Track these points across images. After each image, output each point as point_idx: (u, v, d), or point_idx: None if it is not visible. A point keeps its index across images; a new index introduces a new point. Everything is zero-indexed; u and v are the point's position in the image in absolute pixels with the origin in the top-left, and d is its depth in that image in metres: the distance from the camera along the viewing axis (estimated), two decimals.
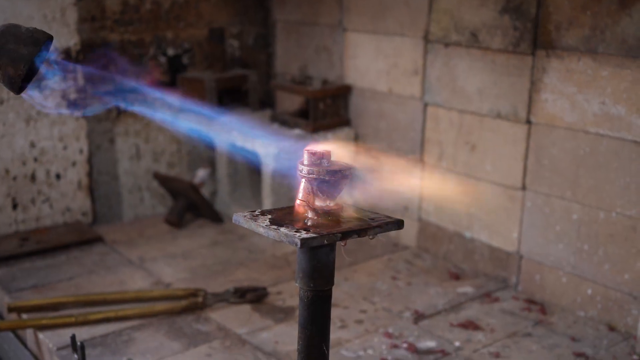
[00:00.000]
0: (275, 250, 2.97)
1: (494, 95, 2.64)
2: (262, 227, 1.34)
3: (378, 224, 1.38)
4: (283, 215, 1.40)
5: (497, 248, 2.73)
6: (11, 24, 1.08)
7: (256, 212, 1.41)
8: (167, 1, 3.36)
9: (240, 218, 1.39)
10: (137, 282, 2.68)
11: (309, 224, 1.36)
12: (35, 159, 3.01)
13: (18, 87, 1.07)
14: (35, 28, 1.09)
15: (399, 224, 1.40)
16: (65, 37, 2.98)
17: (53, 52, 1.12)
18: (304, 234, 1.30)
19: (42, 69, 1.10)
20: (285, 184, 3.00)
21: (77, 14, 3.00)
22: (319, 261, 1.36)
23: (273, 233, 1.32)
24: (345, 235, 1.33)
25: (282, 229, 1.32)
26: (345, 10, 3.18)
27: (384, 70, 3.05)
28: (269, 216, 1.39)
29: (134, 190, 3.40)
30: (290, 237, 1.29)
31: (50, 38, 1.09)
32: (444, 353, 2.22)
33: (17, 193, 3.00)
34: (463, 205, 2.82)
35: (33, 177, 3.02)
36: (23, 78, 1.06)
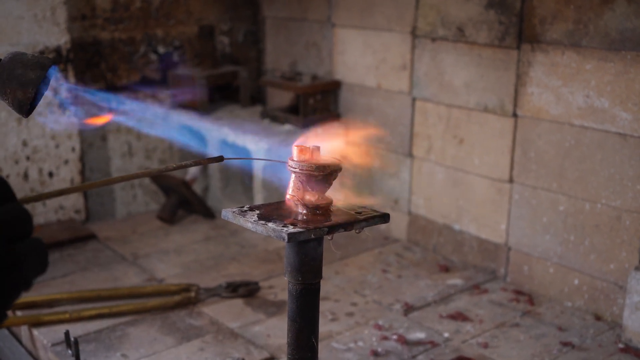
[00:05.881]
0: (267, 245, 3.00)
1: (481, 89, 2.67)
2: (250, 222, 1.37)
3: (364, 218, 1.41)
4: (271, 211, 1.42)
5: (485, 240, 2.76)
6: (17, 52, 1.14)
7: (244, 208, 1.43)
8: None
9: (229, 213, 1.41)
10: (130, 278, 2.70)
11: (297, 218, 1.38)
12: (28, 158, 3.03)
13: (27, 109, 1.13)
14: (40, 54, 1.15)
15: (384, 218, 1.44)
16: (55, 36, 2.99)
17: (57, 76, 1.18)
18: (291, 229, 1.32)
19: (47, 92, 1.16)
20: (276, 179, 3.02)
21: (67, 12, 3.01)
22: (307, 255, 1.39)
23: (261, 228, 1.35)
24: (332, 229, 1.36)
25: (270, 224, 1.34)
26: (333, 6, 3.21)
27: (372, 65, 3.07)
28: (257, 211, 1.41)
29: (127, 187, 3.42)
30: (278, 231, 1.32)
31: (54, 63, 1.15)
32: (433, 344, 2.26)
33: None
34: (452, 199, 2.85)
35: (26, 176, 3.04)
36: (31, 101, 1.12)
